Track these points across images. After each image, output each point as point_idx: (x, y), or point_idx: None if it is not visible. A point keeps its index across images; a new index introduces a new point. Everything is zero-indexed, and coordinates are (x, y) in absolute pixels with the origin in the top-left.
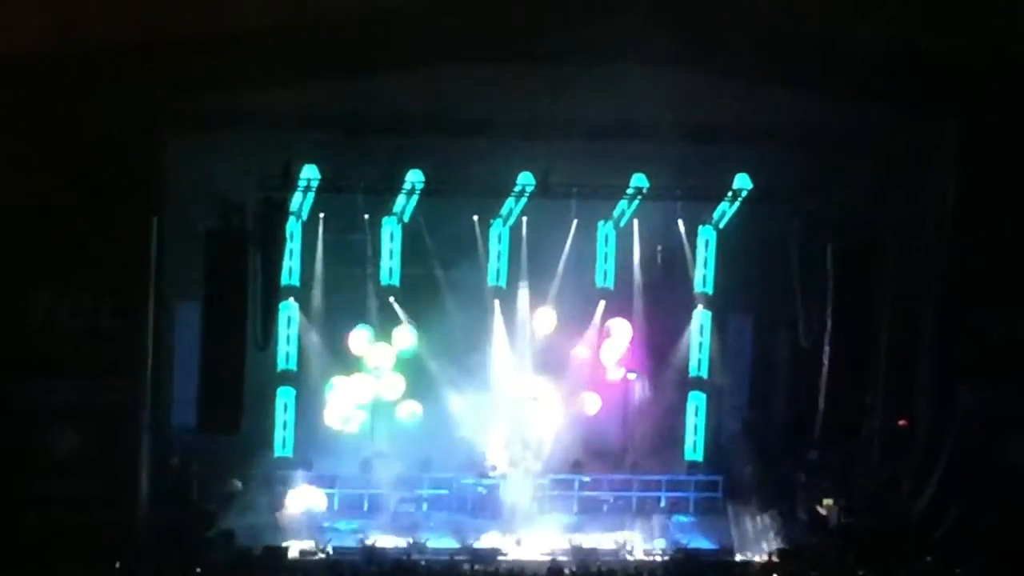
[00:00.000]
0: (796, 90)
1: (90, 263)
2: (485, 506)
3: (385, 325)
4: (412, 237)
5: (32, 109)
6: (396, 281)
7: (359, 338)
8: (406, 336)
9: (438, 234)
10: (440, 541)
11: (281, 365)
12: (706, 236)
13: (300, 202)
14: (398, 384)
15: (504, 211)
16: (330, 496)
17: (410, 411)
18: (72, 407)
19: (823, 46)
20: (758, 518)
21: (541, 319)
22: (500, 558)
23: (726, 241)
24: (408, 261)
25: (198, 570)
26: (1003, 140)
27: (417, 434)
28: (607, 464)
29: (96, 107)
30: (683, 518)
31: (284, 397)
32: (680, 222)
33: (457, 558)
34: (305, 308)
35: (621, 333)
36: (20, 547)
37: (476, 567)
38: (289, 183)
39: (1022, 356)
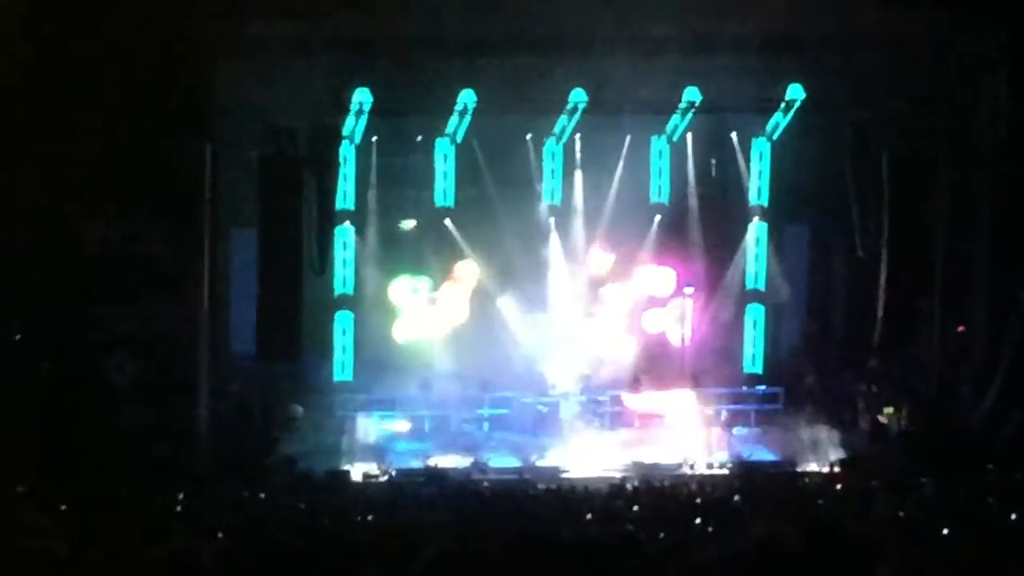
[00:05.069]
0: None
1: (145, 191)
2: (546, 424)
3: (440, 247)
4: (466, 158)
5: (84, 38)
6: (451, 202)
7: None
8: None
9: (491, 154)
10: (502, 460)
11: (338, 289)
12: (760, 148)
13: (353, 126)
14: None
15: (557, 129)
16: (391, 418)
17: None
18: (130, 336)
19: None
20: (819, 429)
21: (597, 236)
22: (562, 476)
23: (780, 153)
24: (462, 182)
25: (261, 495)
26: None
27: (476, 354)
28: (666, 380)
29: (148, 34)
30: (744, 431)
31: (342, 321)
32: (733, 135)
33: (519, 477)
34: (361, 232)
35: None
36: (81, 476)
37: (538, 485)
38: (341, 107)
39: None
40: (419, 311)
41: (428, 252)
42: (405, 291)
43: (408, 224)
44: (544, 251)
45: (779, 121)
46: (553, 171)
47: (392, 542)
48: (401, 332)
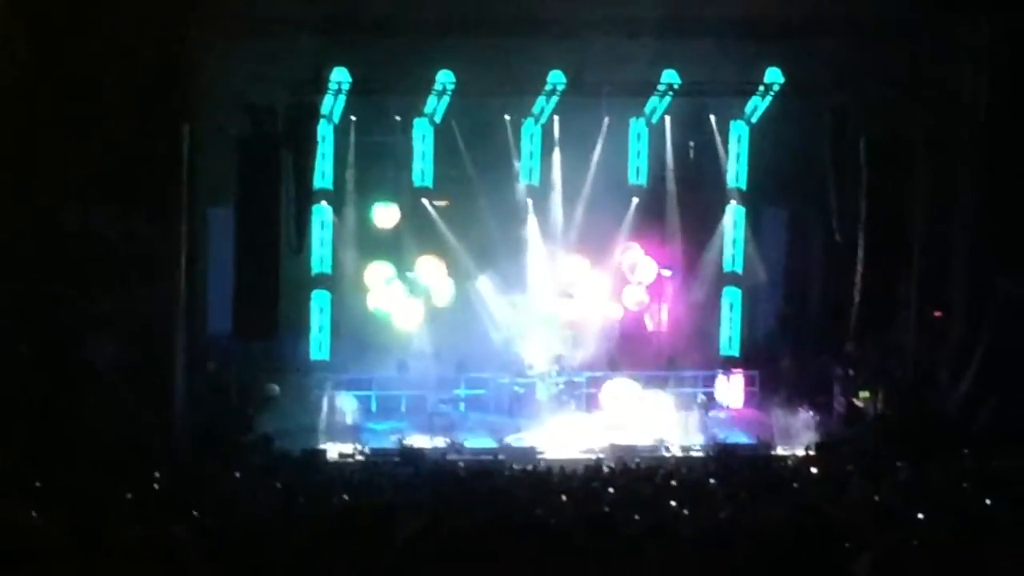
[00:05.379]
0: None
1: (122, 171)
2: (522, 405)
3: (418, 227)
4: (444, 138)
5: (60, 18)
6: (429, 182)
7: (384, 213)
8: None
9: (470, 134)
10: (477, 441)
11: (315, 269)
12: (738, 131)
13: (331, 105)
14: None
15: (536, 110)
16: (367, 398)
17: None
18: (107, 316)
19: None
20: (795, 412)
21: (574, 218)
22: (538, 456)
23: (759, 136)
24: (440, 162)
25: (237, 474)
26: None
27: (453, 334)
28: (643, 361)
29: (124, 13)
30: (720, 414)
31: (319, 300)
32: (712, 117)
33: (495, 457)
34: (338, 211)
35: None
36: (57, 457)
37: (514, 466)
38: (320, 86)
39: None
40: (394, 292)
41: (406, 232)
42: (380, 275)
43: (388, 219)
44: (522, 231)
45: (758, 104)
46: (531, 152)
47: (368, 521)
48: (375, 302)
